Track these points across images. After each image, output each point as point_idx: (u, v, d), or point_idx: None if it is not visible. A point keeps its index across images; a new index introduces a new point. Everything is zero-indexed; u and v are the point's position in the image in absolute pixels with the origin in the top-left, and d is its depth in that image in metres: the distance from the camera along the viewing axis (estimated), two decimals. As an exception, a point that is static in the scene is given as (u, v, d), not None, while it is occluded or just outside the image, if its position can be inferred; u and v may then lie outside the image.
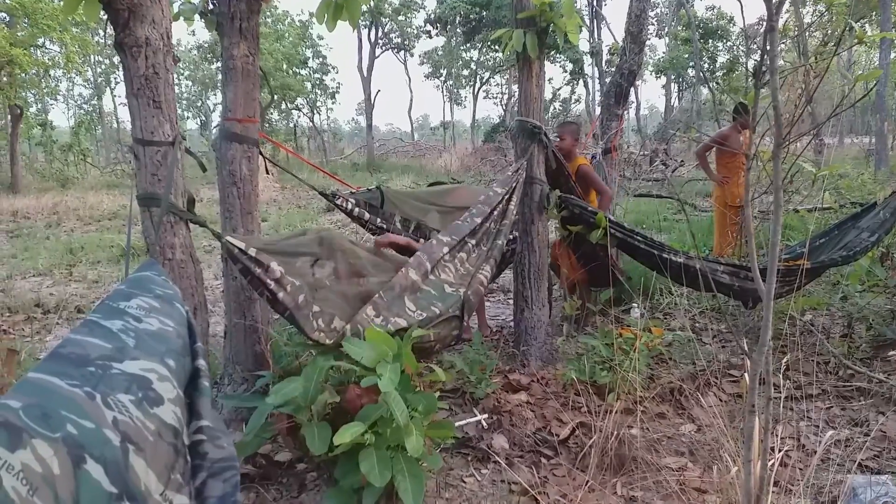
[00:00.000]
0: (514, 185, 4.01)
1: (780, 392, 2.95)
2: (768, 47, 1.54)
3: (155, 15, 2.58)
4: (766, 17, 1.55)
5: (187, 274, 2.79)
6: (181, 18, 3.61)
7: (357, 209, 4.56)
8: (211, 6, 3.49)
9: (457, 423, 3.25)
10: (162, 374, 1.55)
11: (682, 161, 19.30)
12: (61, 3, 2.75)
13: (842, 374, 4.00)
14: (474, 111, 40.02)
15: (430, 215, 4.95)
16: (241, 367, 3.51)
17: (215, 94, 34.23)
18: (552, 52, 24.11)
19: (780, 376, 3.51)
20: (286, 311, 2.75)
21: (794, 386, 3.58)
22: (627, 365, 3.44)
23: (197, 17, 3.62)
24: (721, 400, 3.74)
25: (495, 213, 3.83)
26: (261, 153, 3.58)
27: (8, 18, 18.88)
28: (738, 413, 3.38)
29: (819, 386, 3.84)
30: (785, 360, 3.21)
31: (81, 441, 1.19)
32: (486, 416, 3.43)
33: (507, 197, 3.94)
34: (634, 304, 4.54)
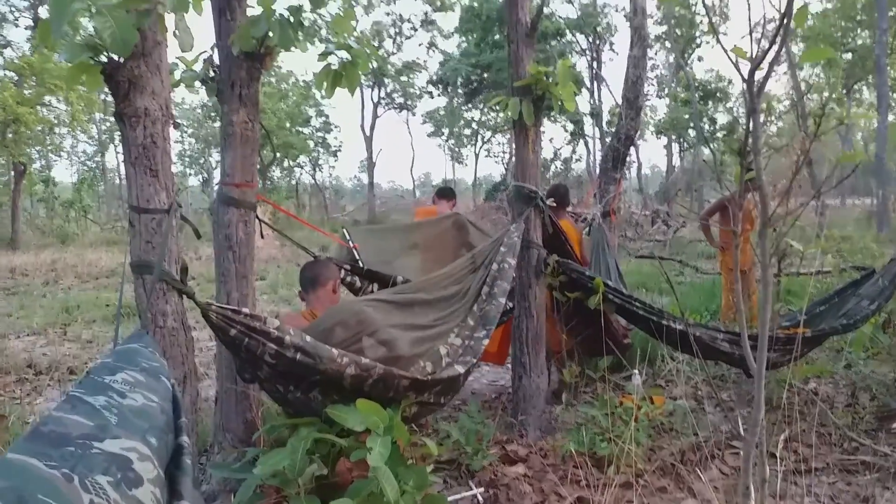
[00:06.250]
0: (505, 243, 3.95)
1: (779, 467, 2.88)
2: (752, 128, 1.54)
3: (155, 86, 2.61)
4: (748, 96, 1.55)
5: (178, 342, 2.75)
6: (182, 85, 3.66)
7: (350, 277, 4.50)
8: (212, 73, 3.54)
9: (451, 498, 3.16)
10: (143, 454, 1.51)
11: (683, 222, 19.36)
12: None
13: (846, 447, 3.90)
14: (476, 169, 40.61)
15: (403, 259, 4.81)
16: (231, 434, 3.43)
17: (218, 152, 34.77)
18: (552, 113, 24.53)
19: (783, 449, 3.43)
20: (296, 350, 2.55)
21: (798, 459, 3.50)
22: (627, 436, 3.37)
23: (198, 83, 3.66)
24: (723, 473, 3.65)
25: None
26: (258, 217, 3.57)
27: (17, 77, 19.26)
28: (737, 489, 3.29)
29: (823, 459, 3.75)
30: (784, 434, 3.14)
31: None
32: (481, 489, 3.34)
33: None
34: (635, 371, 4.47)
